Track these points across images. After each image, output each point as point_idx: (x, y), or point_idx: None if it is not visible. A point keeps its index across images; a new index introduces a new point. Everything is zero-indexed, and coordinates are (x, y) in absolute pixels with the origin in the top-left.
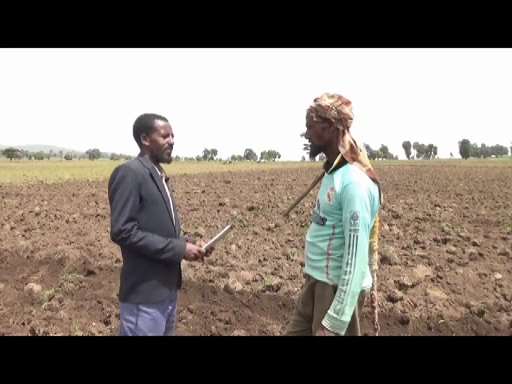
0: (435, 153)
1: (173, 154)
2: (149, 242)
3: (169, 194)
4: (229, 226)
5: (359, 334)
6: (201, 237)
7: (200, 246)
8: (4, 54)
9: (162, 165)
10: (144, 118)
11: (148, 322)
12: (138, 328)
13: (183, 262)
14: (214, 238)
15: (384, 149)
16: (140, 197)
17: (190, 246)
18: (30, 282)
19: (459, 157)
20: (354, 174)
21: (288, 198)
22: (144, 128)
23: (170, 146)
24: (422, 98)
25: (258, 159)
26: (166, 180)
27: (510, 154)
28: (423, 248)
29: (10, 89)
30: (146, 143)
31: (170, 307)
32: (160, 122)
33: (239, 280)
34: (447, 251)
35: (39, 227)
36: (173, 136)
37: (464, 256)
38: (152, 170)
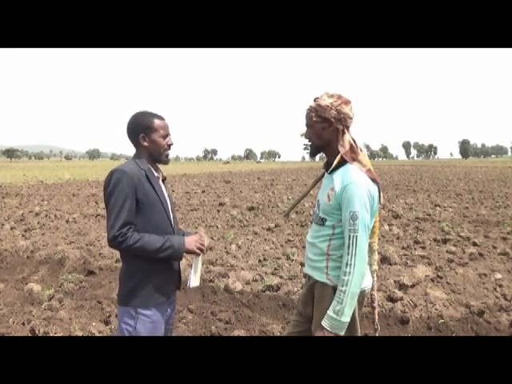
0: (435, 153)
1: (173, 154)
2: (146, 242)
3: (166, 195)
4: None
5: (359, 334)
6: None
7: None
8: (4, 54)
9: (158, 165)
10: (142, 117)
11: (147, 325)
12: (137, 331)
13: (183, 262)
14: (193, 270)
15: (384, 149)
16: (136, 200)
17: (188, 238)
18: (30, 281)
19: (459, 157)
20: (354, 174)
21: (288, 198)
22: (142, 128)
23: (169, 146)
24: (422, 97)
25: (258, 159)
26: (163, 180)
27: (510, 153)
28: (423, 248)
29: (9, 89)
30: (145, 144)
31: (168, 310)
32: (159, 122)
33: (239, 280)
34: (447, 251)
35: (39, 227)
36: (170, 135)
37: (464, 256)
38: (148, 172)
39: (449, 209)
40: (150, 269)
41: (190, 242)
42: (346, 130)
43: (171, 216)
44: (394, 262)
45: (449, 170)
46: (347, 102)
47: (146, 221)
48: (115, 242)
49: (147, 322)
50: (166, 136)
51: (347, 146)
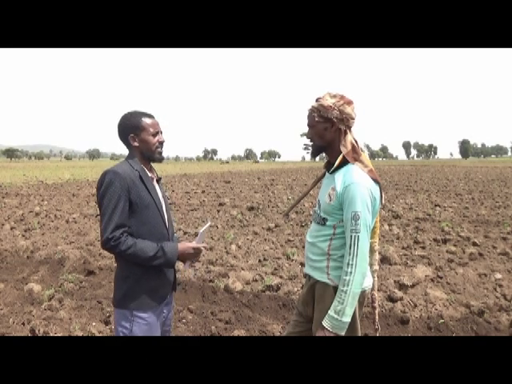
0: (435, 153)
1: (173, 154)
2: (139, 249)
3: (160, 196)
4: (209, 224)
5: (359, 334)
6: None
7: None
8: (4, 54)
9: (153, 165)
10: (130, 118)
11: (143, 328)
12: (133, 334)
13: (181, 263)
14: (200, 235)
15: (384, 149)
16: (130, 202)
17: (182, 246)
18: (30, 281)
19: (459, 157)
20: (356, 174)
21: (288, 198)
22: (131, 128)
23: (161, 144)
24: (422, 98)
25: (257, 159)
26: (158, 180)
27: (510, 153)
28: (423, 248)
29: (9, 89)
30: (136, 144)
31: (165, 311)
32: (148, 120)
33: (239, 280)
34: (447, 251)
35: (39, 227)
36: (161, 133)
37: (464, 256)
38: (142, 172)
39: (449, 209)
40: (145, 271)
41: (184, 250)
42: (348, 131)
43: (165, 217)
44: (394, 262)
45: (449, 170)
46: (350, 103)
47: (140, 222)
48: (108, 245)
49: (143, 325)
50: (156, 134)
51: (349, 147)
